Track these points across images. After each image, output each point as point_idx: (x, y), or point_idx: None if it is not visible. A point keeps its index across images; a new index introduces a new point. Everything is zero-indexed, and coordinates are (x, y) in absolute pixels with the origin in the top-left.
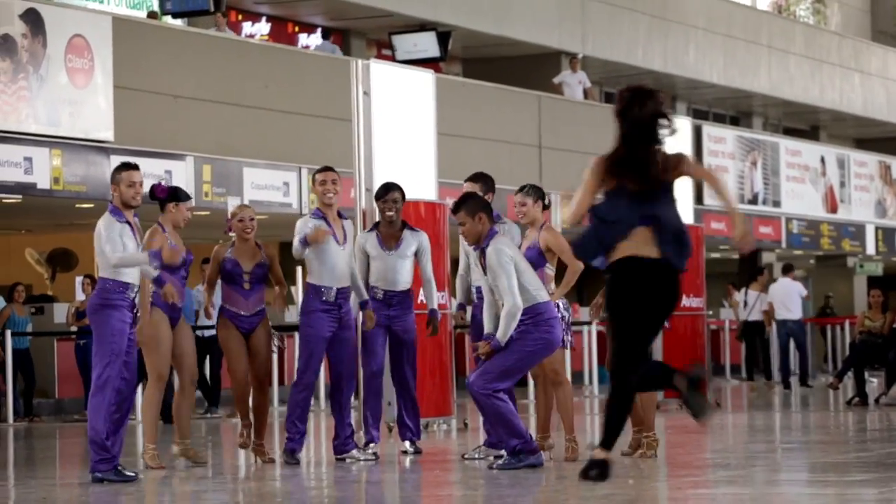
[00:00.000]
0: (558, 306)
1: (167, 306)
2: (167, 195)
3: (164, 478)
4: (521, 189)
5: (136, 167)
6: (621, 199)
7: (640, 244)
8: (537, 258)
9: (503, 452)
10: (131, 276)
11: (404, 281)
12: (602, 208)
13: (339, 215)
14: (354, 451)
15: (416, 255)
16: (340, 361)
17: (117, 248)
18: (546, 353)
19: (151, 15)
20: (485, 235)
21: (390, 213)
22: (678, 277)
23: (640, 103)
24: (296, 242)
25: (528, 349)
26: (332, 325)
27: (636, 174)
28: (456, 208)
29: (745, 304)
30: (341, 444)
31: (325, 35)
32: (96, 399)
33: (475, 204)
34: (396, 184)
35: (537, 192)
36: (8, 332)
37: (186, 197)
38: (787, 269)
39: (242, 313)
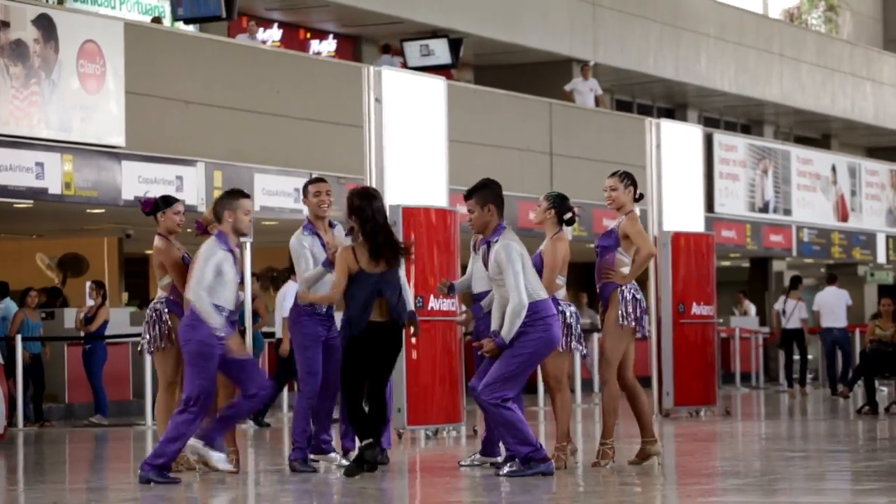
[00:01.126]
0: (564, 315)
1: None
2: (151, 208)
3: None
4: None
5: (248, 195)
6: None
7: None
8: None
9: (498, 460)
10: (223, 299)
11: None
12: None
13: (330, 224)
14: (332, 454)
15: None
16: (329, 370)
17: (203, 282)
18: (546, 352)
19: (156, 20)
20: (492, 227)
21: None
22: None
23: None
24: (313, 270)
25: (529, 350)
26: (323, 331)
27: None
28: (468, 195)
29: (784, 312)
30: (316, 446)
31: (386, 49)
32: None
33: (487, 194)
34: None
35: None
36: (18, 337)
37: (171, 202)
38: (832, 279)
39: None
